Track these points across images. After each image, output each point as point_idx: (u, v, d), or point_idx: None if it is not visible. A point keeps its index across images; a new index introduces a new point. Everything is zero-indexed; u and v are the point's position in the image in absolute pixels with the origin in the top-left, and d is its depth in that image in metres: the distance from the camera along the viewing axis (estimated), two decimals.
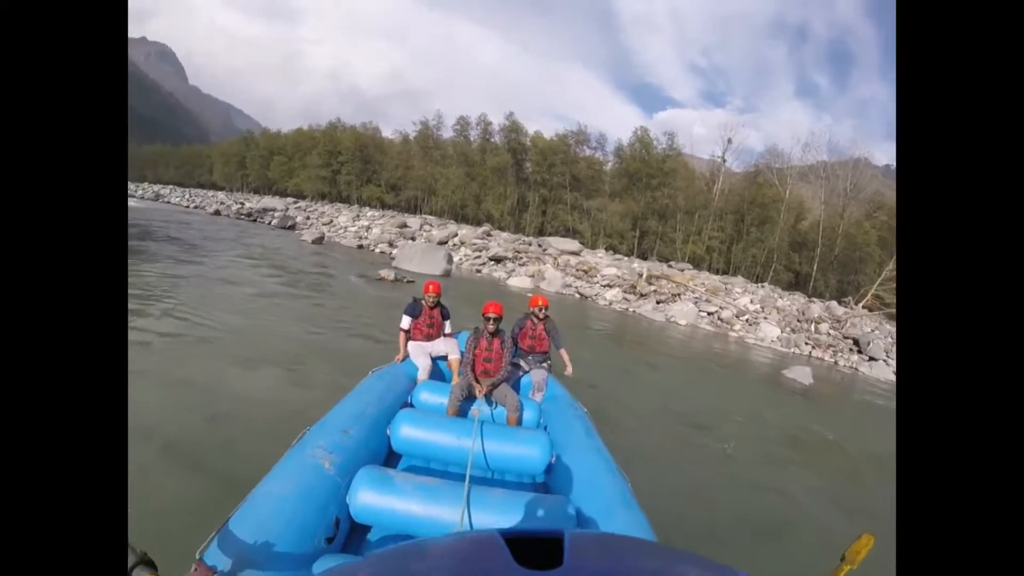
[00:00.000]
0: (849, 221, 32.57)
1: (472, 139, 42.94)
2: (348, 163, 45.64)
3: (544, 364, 4.58)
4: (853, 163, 34.47)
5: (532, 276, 20.48)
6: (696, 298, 19.01)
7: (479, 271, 22.08)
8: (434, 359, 4.56)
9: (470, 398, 3.81)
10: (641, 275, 20.20)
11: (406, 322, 4.60)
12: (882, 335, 18.54)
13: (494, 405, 3.82)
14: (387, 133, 49.07)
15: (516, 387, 4.37)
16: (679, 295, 19.16)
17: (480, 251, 23.79)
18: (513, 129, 40.39)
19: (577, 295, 19.18)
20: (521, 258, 22.92)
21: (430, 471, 3.14)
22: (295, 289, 11.04)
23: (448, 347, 4.61)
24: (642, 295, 19.00)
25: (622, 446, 3.53)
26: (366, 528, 2.50)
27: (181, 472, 3.38)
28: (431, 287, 4.71)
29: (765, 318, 18.38)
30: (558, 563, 0.52)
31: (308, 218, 34.22)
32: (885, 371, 15.25)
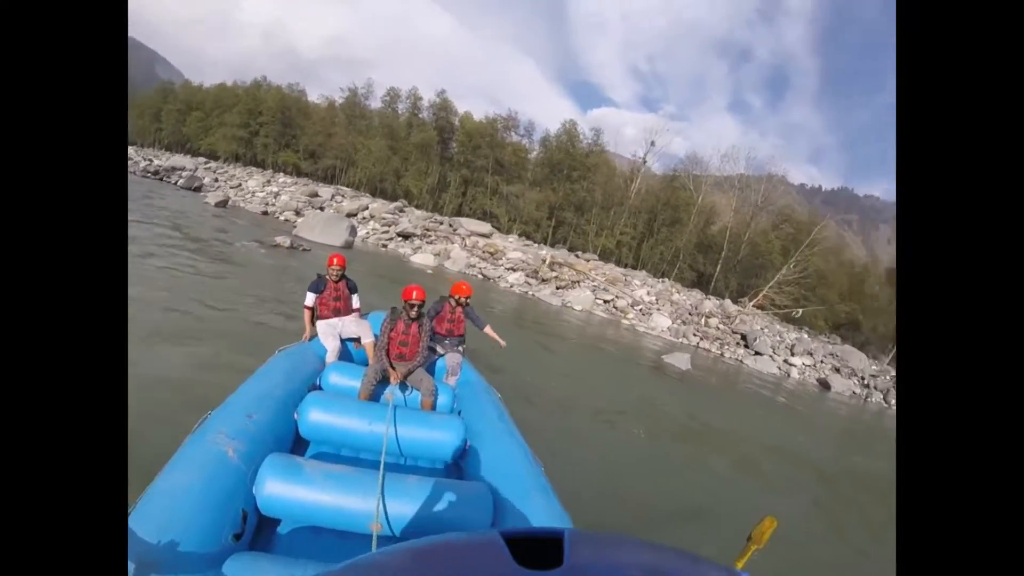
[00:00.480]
0: (756, 230, 34.94)
1: (400, 112, 41.96)
2: (267, 124, 43.27)
3: (459, 348, 4.56)
4: (768, 178, 36.97)
5: (437, 255, 20.53)
6: (595, 286, 19.83)
7: (385, 246, 21.84)
8: (343, 340, 4.40)
9: (383, 382, 3.71)
10: (544, 260, 20.81)
11: (310, 299, 4.45)
12: (771, 333, 20.27)
13: (408, 390, 3.75)
14: (316, 98, 46.75)
15: (430, 370, 4.32)
16: (579, 282, 19.91)
17: (389, 226, 23.50)
18: (443, 107, 39.91)
19: (480, 276, 19.45)
20: (430, 236, 22.89)
21: (340, 458, 3.04)
22: (192, 257, 10.33)
23: (360, 329, 4.44)
24: (543, 280, 19.57)
25: (529, 429, 3.54)
26: (276, 522, 2.38)
27: None
28: (335, 260, 4.53)
29: (658, 309, 19.51)
30: (558, 563, 0.53)
31: (216, 180, 32.34)
32: (769, 365, 16.81)
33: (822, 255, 32.34)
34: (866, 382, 18.82)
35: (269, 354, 3.71)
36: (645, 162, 38.44)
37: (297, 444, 3.07)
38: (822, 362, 19.14)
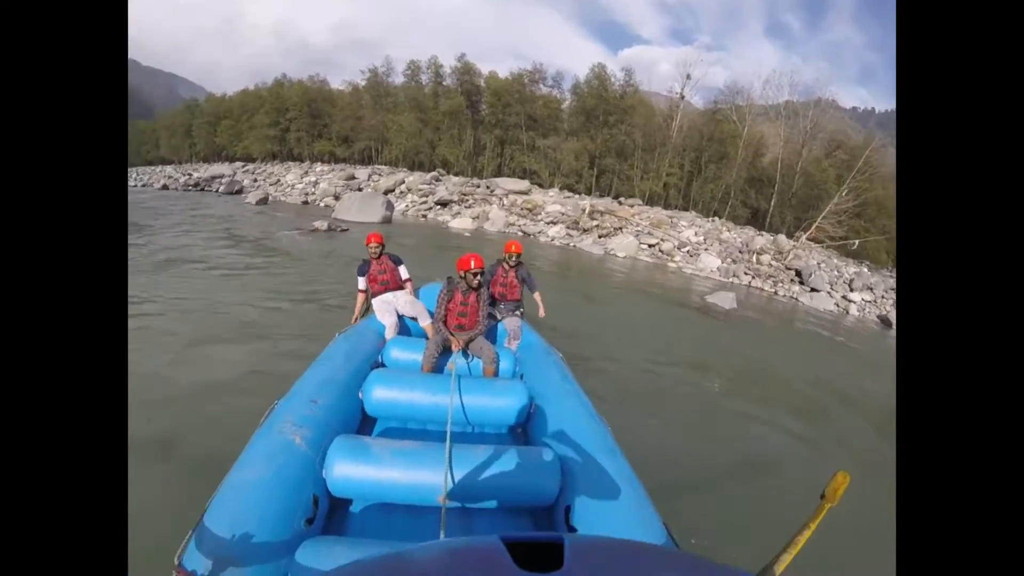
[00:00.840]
0: (808, 159, 32.71)
1: (424, 84, 41.47)
2: (296, 119, 43.90)
3: (517, 312, 4.51)
4: (817, 103, 34.32)
5: (476, 217, 20.31)
6: (638, 231, 19.07)
7: (424, 216, 21.83)
8: (400, 316, 4.41)
9: (445, 353, 3.71)
10: (584, 210, 20.16)
11: (361, 283, 4.54)
12: (828, 268, 18.99)
13: (470, 358, 3.74)
14: (338, 84, 46.90)
15: (490, 337, 4.31)
16: (621, 229, 19.21)
17: (427, 196, 23.43)
18: (466, 71, 39.08)
19: (520, 233, 19.13)
20: (467, 200, 22.65)
21: (408, 432, 3.08)
22: (239, 255, 10.44)
23: (416, 310, 4.43)
24: (585, 230, 19.01)
25: (588, 388, 3.44)
26: (347, 502, 2.41)
27: (151, 468, 3.13)
28: (372, 238, 4.61)
29: (706, 249, 18.61)
30: (558, 566, 0.53)
31: (256, 180, 33.32)
32: (826, 301, 15.68)
33: (880, 181, 29.78)
34: None
35: (330, 337, 3.72)
36: (683, 97, 36.41)
37: (365, 423, 3.11)
38: (883, 297, 17.64)
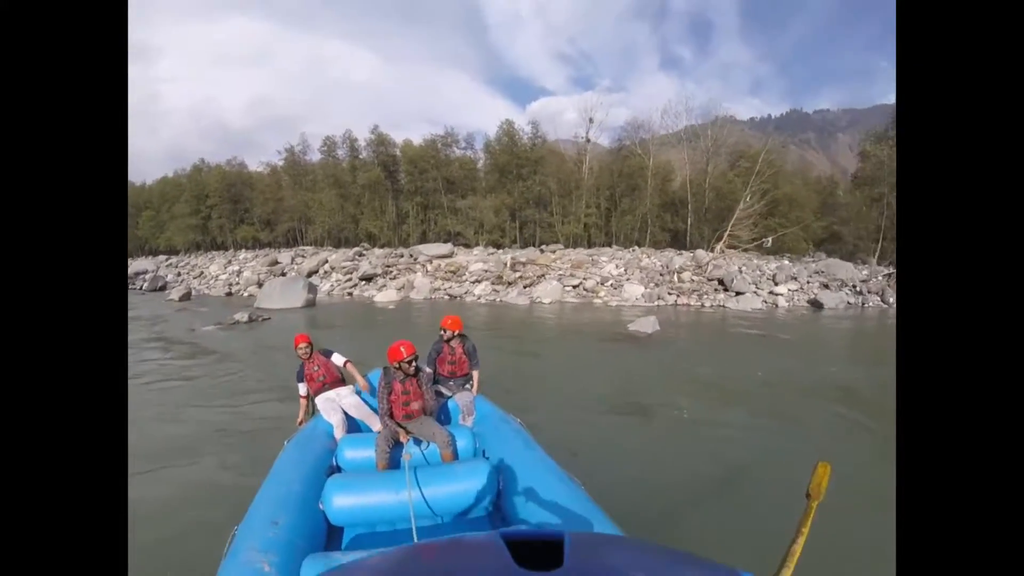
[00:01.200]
0: (714, 175, 35.24)
1: (341, 159, 42.12)
2: (217, 205, 43.35)
3: (468, 386, 4.43)
4: (715, 121, 37.17)
5: (401, 288, 20.70)
6: (560, 275, 20.01)
7: (350, 294, 22.07)
8: (345, 413, 4.30)
9: (398, 445, 3.56)
10: (505, 264, 20.99)
11: (302, 388, 4.52)
12: (750, 270, 20.50)
13: (425, 445, 3.60)
14: (256, 166, 46.90)
15: (443, 417, 4.23)
16: (543, 276, 20.09)
17: (350, 273, 23.68)
18: (380, 142, 40.10)
19: (447, 296, 19.68)
20: (391, 272, 23.06)
21: (378, 537, 2.98)
22: (163, 357, 10.29)
23: (361, 414, 4.36)
24: (509, 283, 19.75)
25: (553, 444, 3.52)
26: None
27: None
28: (299, 340, 4.58)
29: (628, 280, 19.66)
30: (558, 564, 0.54)
31: (179, 274, 32.65)
32: (752, 301, 17.14)
33: (786, 177, 32.77)
34: (858, 289, 19.07)
35: (274, 440, 3.65)
36: (589, 140, 38.68)
37: (333, 534, 2.98)
38: (808, 282, 19.42)
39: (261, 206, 42.46)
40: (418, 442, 3.60)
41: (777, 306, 17.41)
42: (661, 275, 20.12)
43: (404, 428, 3.62)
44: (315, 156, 43.67)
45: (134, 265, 39.40)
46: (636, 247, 30.18)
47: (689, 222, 34.87)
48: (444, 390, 4.37)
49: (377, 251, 29.60)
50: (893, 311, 15.71)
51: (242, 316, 15.37)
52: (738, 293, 18.18)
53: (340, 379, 4.58)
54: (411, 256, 25.41)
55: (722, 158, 36.62)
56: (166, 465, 5.02)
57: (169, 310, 19.41)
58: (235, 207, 43.57)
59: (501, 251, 28.66)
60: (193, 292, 24.94)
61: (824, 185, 37.65)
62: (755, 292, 18.23)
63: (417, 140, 40.19)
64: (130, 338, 13.07)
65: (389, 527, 3.03)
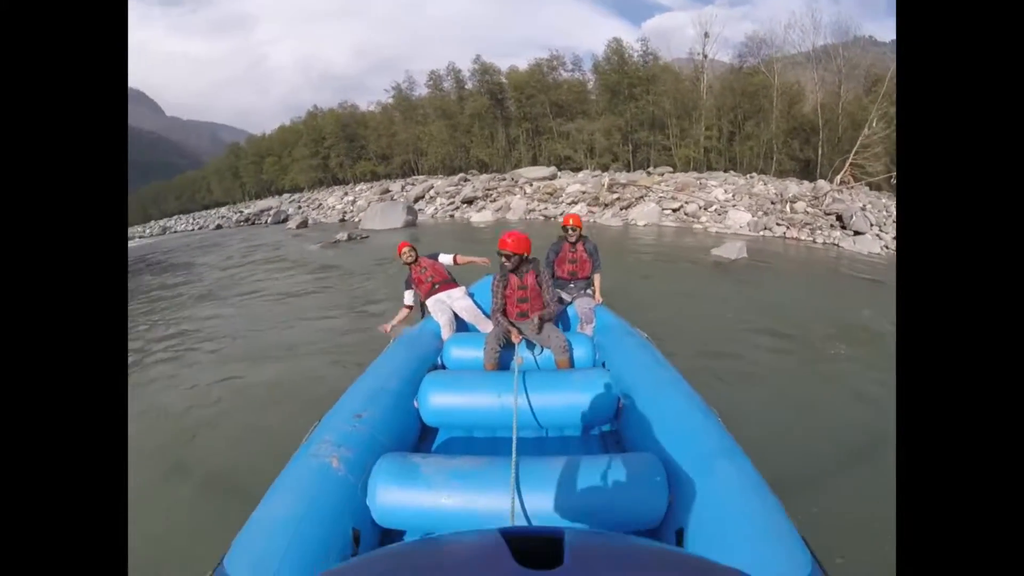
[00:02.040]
0: (848, 99, 31.07)
1: (447, 91, 42.68)
2: (335, 145, 46.44)
3: (589, 291, 4.10)
4: (849, 43, 32.51)
5: (498, 209, 20.91)
6: (660, 197, 19.00)
7: (451, 216, 22.73)
8: (455, 314, 4.07)
9: (508, 347, 3.29)
10: (603, 185, 20.30)
11: (409, 297, 4.31)
12: (876, 209, 18.11)
13: (539, 350, 3.32)
14: (367, 106, 49.26)
15: (562, 324, 3.93)
16: (642, 198, 19.19)
17: (453, 197, 24.31)
18: (485, 71, 39.91)
19: (542, 217, 19.59)
20: (491, 195, 23.30)
21: (474, 443, 2.75)
22: (275, 276, 11.42)
23: (474, 316, 4.08)
24: (606, 205, 19.15)
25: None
26: (399, 534, 2.06)
27: (183, 495, 3.06)
28: (401, 247, 4.40)
29: (734, 206, 18.25)
30: (558, 563, 0.53)
31: (300, 207, 35.56)
32: (870, 244, 14.96)
33: None
34: None
35: (381, 348, 3.45)
36: (706, 57, 35.43)
37: (424, 435, 2.81)
38: None
39: (375, 142, 44.68)
40: (531, 346, 3.33)
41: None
42: (772, 203, 18.30)
43: (517, 328, 3.31)
44: (422, 91, 44.72)
45: (259, 204, 44.01)
46: (754, 174, 27.61)
47: (820, 151, 31.20)
48: (564, 295, 4.04)
49: (482, 176, 30.00)
50: None
51: (342, 235, 16.67)
52: (856, 232, 15.88)
53: (451, 280, 4.31)
54: (512, 180, 25.42)
55: (858, 81, 32.01)
56: (270, 359, 5.46)
57: (286, 236, 21.41)
58: (351, 145, 46.24)
59: (606, 173, 27.72)
60: (310, 220, 27.21)
61: None
62: (877, 235, 15.95)
63: (524, 67, 39.65)
64: (250, 258, 14.87)
65: (487, 433, 2.77)
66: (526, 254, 3.46)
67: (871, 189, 23.53)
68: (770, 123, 31.96)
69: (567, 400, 2.65)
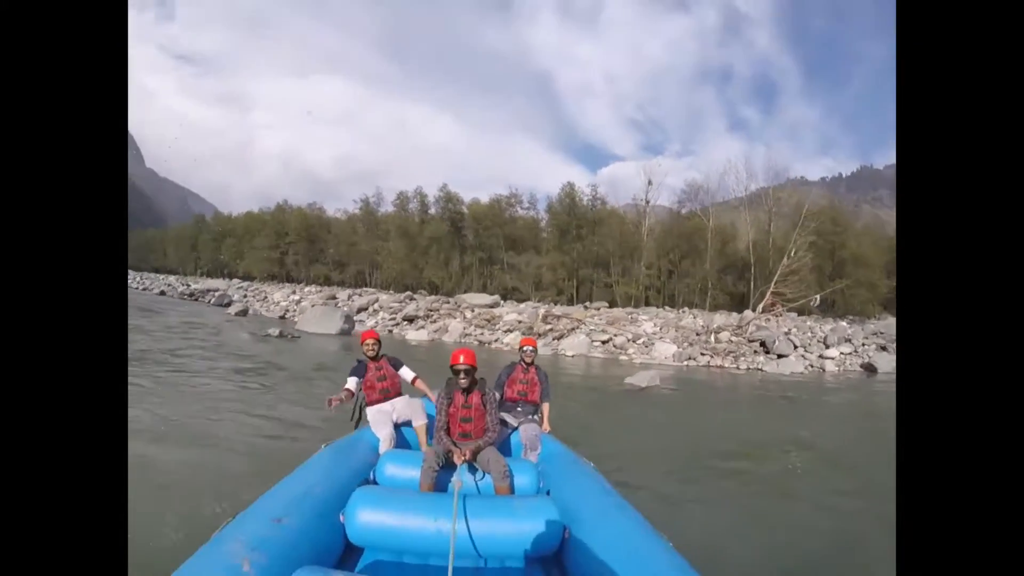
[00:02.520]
0: (777, 235, 34.68)
1: (412, 212, 45.26)
2: (295, 243, 47.76)
3: (535, 417, 4.08)
4: (782, 184, 36.95)
5: (437, 330, 21.76)
6: (591, 330, 20.31)
7: (391, 331, 23.34)
8: (399, 426, 4.01)
9: (447, 468, 3.23)
10: (539, 316, 21.61)
11: (351, 383, 3.99)
12: (801, 332, 19.91)
13: (479, 475, 3.22)
14: (335, 212, 51.64)
15: (504, 450, 3.84)
16: (574, 329, 20.47)
17: (396, 313, 25.11)
18: (448, 199, 42.83)
19: (476, 341, 20.45)
20: (433, 316, 24.23)
21: (404, 569, 2.58)
22: (197, 352, 12.00)
23: (412, 411, 4.01)
24: (539, 334, 20.26)
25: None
26: None
27: None
28: (367, 336, 4.19)
29: (660, 338, 19.61)
30: None
31: (245, 296, 35.83)
32: (793, 365, 16.58)
33: (855, 236, 33.36)
34: None
35: (309, 451, 3.34)
36: (648, 202, 39.28)
37: (347, 553, 2.63)
38: (864, 345, 18.52)
39: (335, 248, 46.08)
40: (472, 469, 3.23)
41: (824, 370, 16.69)
42: (697, 335, 19.89)
43: (460, 448, 3.27)
44: (389, 208, 47.29)
45: (207, 283, 44.28)
46: (687, 308, 29.81)
47: (752, 284, 34.12)
48: (510, 419, 4.02)
49: (428, 297, 31.16)
50: None
51: (274, 331, 17.31)
52: (780, 356, 17.47)
53: (399, 395, 4.18)
54: (455, 304, 26.61)
55: (786, 218, 36.13)
56: (183, 446, 5.22)
57: (223, 320, 21.92)
58: (311, 246, 47.64)
59: (543, 305, 29.29)
60: (250, 310, 27.65)
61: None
62: (803, 355, 17.54)
63: (486, 200, 42.95)
64: (187, 334, 15.12)
65: (419, 559, 2.61)
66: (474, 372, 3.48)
67: (798, 315, 25.76)
68: (704, 262, 34.97)
69: (509, 528, 2.54)
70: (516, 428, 3.96)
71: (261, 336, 16.59)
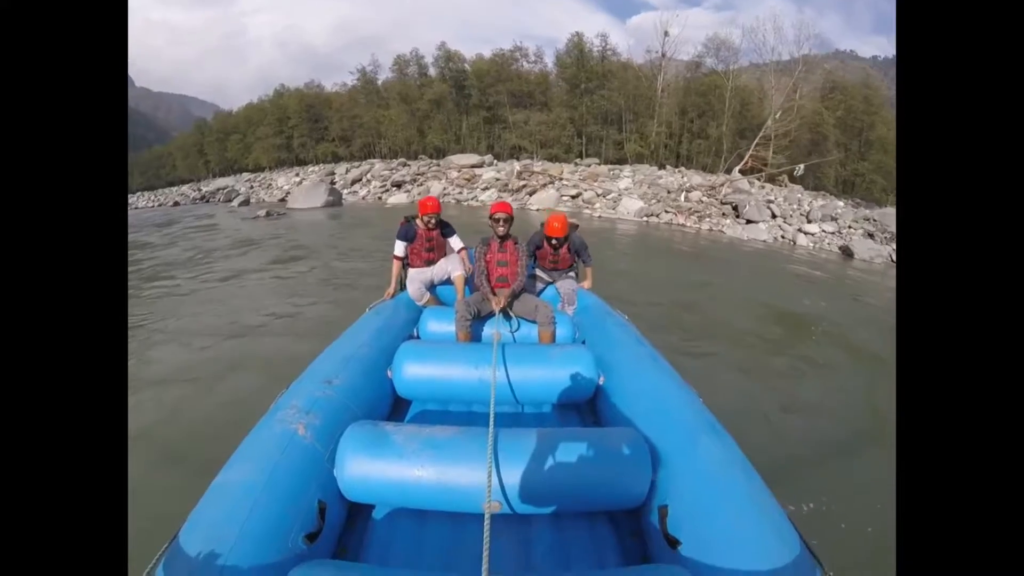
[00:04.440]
0: (803, 104, 33.87)
1: (412, 76, 45.41)
2: (298, 126, 49.14)
3: (570, 274, 4.27)
4: (830, 55, 35.12)
5: (420, 192, 23.72)
6: (563, 185, 21.78)
7: (379, 198, 25.44)
8: (436, 285, 4.19)
9: (484, 317, 3.48)
10: (514, 172, 23.11)
11: (399, 248, 4.10)
12: (790, 202, 20.32)
13: (515, 324, 3.46)
14: (333, 87, 52.17)
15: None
16: (547, 185, 21.96)
17: (386, 181, 27.03)
18: (449, 58, 42.65)
19: (454, 200, 22.38)
20: (420, 180, 26.04)
21: (449, 416, 2.83)
22: (193, 238, 13.66)
23: (451, 264, 4.10)
24: (514, 191, 21.91)
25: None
26: (367, 510, 2.08)
27: (142, 467, 2.95)
28: (428, 204, 4.02)
29: (630, 195, 20.90)
30: None
31: (251, 187, 38.24)
32: (760, 232, 17.07)
33: (887, 122, 31.80)
34: None
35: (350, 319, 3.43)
36: (664, 55, 38.16)
37: (398, 407, 2.88)
38: (850, 228, 17.80)
39: (338, 124, 47.29)
40: (508, 319, 3.47)
41: (795, 243, 16.41)
42: (668, 192, 21.02)
43: (497, 295, 3.49)
44: (389, 75, 47.46)
45: (216, 183, 46.99)
46: (669, 167, 30.46)
47: (770, 152, 33.95)
48: (544, 275, 4.24)
49: (418, 162, 32.76)
50: None
51: (261, 212, 19.77)
52: (749, 221, 17.99)
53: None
54: (442, 166, 28.24)
55: (814, 87, 34.85)
56: (231, 336, 5.49)
57: (223, 212, 24.24)
58: (315, 126, 48.89)
59: (519, 162, 30.34)
60: (252, 199, 30.21)
61: None
62: (779, 226, 17.73)
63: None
64: (182, 225, 17.37)
65: (463, 407, 2.88)
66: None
67: (788, 183, 26.27)
68: (721, 123, 34.69)
69: (547, 375, 2.73)
70: (551, 283, 4.21)
71: (252, 218, 18.87)
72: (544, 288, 4.23)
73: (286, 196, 30.09)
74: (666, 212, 18.97)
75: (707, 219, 18.65)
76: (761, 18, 37.87)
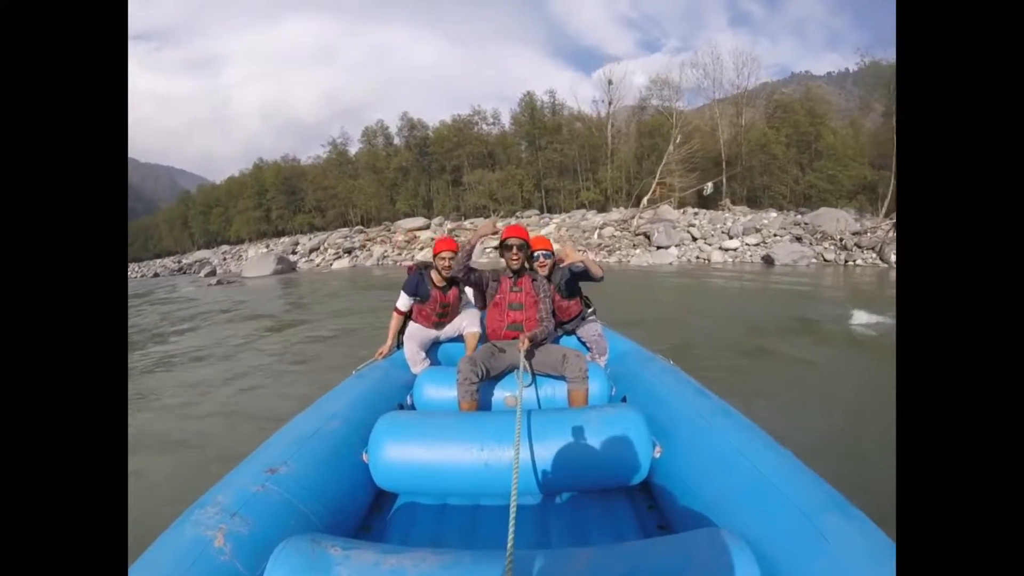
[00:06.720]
0: (749, 128, 37.67)
1: (379, 147, 50.49)
2: (275, 198, 53.87)
3: (591, 316, 3.56)
4: (786, 79, 38.66)
5: (361, 258, 27.68)
6: (488, 238, 25.41)
7: (331, 264, 29.34)
8: (441, 343, 3.63)
9: (497, 377, 2.81)
10: (444, 230, 27.07)
11: (403, 302, 3.49)
12: (711, 222, 23.02)
13: (532, 380, 2.75)
14: (306, 160, 57.58)
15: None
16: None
17: (338, 248, 31.07)
18: (412, 127, 47.78)
19: (391, 262, 26.24)
20: (367, 245, 30.03)
21: (447, 515, 2.14)
22: (201, 327, 12.79)
23: (466, 320, 3.53)
24: None
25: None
26: None
27: None
28: (443, 245, 3.35)
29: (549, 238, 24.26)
30: None
31: (224, 259, 42.77)
32: (663, 257, 19.44)
33: (831, 128, 34.82)
34: (844, 243, 18.18)
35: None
36: (610, 104, 42.33)
37: (378, 502, 2.23)
38: (776, 236, 19.71)
39: (313, 195, 51.87)
40: (526, 376, 2.67)
41: (710, 261, 18.21)
42: (583, 232, 24.42)
43: (520, 338, 2.71)
44: (358, 147, 52.56)
45: (196, 255, 52.10)
46: (621, 208, 33.97)
47: (723, 183, 36.63)
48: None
49: (372, 229, 36.88)
50: (882, 271, 15.39)
51: (212, 280, 23.62)
52: (659, 247, 20.74)
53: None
54: (390, 230, 32.28)
55: (758, 110, 38.31)
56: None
57: (187, 282, 27.98)
58: (292, 198, 53.56)
59: (447, 221, 34.30)
60: (219, 270, 34.51)
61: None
62: (699, 246, 20.33)
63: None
64: (152, 297, 20.54)
65: (467, 500, 2.20)
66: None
67: (699, 207, 29.12)
68: (663, 159, 37.94)
69: (585, 451, 2.03)
70: (570, 332, 3.57)
71: (206, 286, 22.31)
72: (558, 336, 3.48)
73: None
74: (578, 251, 22.04)
75: (616, 252, 21.55)
76: (700, 53, 41.24)
